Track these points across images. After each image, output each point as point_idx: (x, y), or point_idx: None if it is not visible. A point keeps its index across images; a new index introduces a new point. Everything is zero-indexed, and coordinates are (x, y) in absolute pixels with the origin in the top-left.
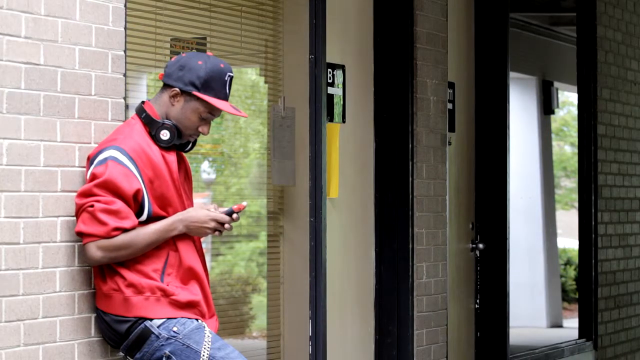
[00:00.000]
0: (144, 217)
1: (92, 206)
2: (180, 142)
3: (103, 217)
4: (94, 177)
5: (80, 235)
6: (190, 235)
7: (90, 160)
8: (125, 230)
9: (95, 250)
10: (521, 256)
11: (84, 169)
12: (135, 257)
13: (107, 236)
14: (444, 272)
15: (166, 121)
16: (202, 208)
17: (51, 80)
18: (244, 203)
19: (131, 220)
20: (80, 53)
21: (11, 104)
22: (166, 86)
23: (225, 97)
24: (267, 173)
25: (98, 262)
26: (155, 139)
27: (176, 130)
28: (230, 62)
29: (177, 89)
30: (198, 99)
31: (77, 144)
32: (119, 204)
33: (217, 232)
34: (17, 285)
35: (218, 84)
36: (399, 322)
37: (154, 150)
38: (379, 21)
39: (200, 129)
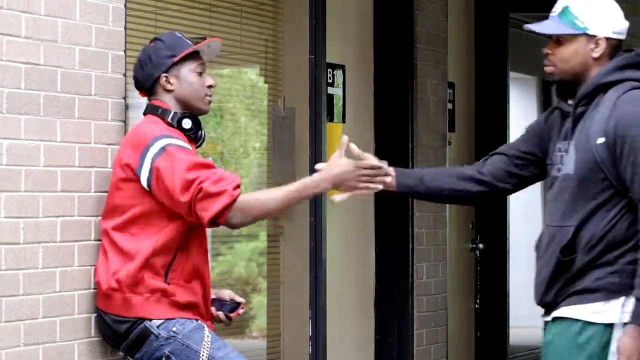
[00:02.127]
0: None
1: (200, 190)
2: (200, 127)
3: (216, 188)
4: (158, 171)
5: (217, 218)
6: (337, 189)
7: (138, 164)
8: (239, 185)
9: (238, 217)
10: (521, 256)
11: (84, 169)
12: (143, 252)
13: (234, 199)
14: (444, 272)
15: (183, 111)
16: (349, 164)
17: (51, 80)
18: (242, 310)
19: (234, 175)
20: (80, 53)
21: (11, 104)
22: (152, 88)
23: (193, 44)
24: (267, 173)
25: (251, 222)
26: (181, 128)
27: (196, 119)
28: (230, 62)
29: (162, 75)
30: (183, 60)
31: (77, 144)
32: (217, 170)
33: (370, 186)
34: (17, 285)
35: (180, 40)
36: (399, 322)
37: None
38: (379, 21)
39: (207, 84)
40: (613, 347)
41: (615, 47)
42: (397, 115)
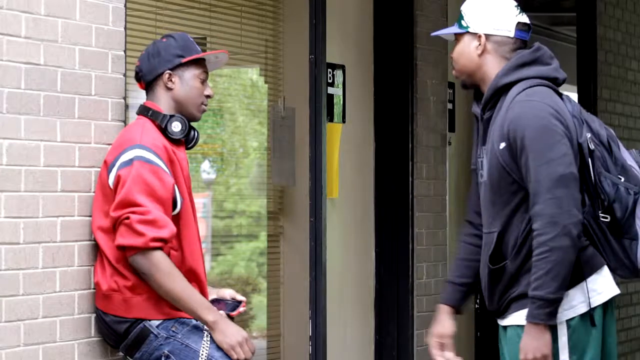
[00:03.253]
0: (177, 209)
1: (127, 218)
2: (187, 134)
3: (140, 228)
4: (118, 179)
5: (122, 249)
6: (213, 335)
7: (111, 163)
8: (163, 240)
9: (145, 265)
10: None
11: (84, 169)
12: None
13: (146, 246)
14: (444, 272)
15: (173, 113)
16: (243, 332)
17: (51, 80)
18: (243, 309)
19: (169, 229)
20: (80, 53)
21: (11, 104)
22: (153, 82)
23: (202, 51)
24: (267, 173)
25: (147, 278)
26: (167, 132)
27: (186, 121)
28: (230, 62)
29: (167, 71)
30: (190, 63)
31: (77, 144)
32: (155, 214)
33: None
34: (17, 285)
35: (192, 44)
36: (399, 322)
37: (168, 146)
38: (379, 21)
39: (206, 93)
40: (560, 342)
41: (506, 44)
42: (397, 116)
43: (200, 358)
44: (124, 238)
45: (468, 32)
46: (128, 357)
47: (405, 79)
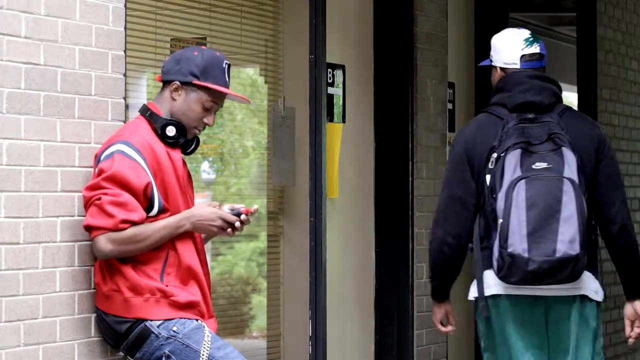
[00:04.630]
0: (155, 211)
1: (99, 199)
2: (186, 139)
3: (110, 209)
4: (101, 171)
5: (89, 229)
6: (197, 232)
7: (98, 157)
8: (133, 223)
9: (104, 242)
10: None
11: (84, 169)
12: (137, 256)
13: (115, 228)
14: None
15: (171, 118)
16: (208, 205)
17: (51, 80)
18: (255, 207)
19: (139, 212)
20: (80, 53)
21: (11, 104)
22: (166, 84)
23: (225, 84)
24: (267, 173)
25: (107, 256)
26: (162, 135)
27: (181, 127)
28: (230, 62)
29: (177, 82)
30: (199, 88)
31: (77, 144)
32: (126, 196)
33: (226, 232)
34: (17, 285)
35: (217, 72)
36: (399, 322)
37: (160, 147)
38: (379, 21)
39: (205, 120)
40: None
41: (516, 73)
42: (397, 115)
43: (201, 358)
44: (94, 218)
45: (491, 65)
46: (128, 357)
47: (405, 78)
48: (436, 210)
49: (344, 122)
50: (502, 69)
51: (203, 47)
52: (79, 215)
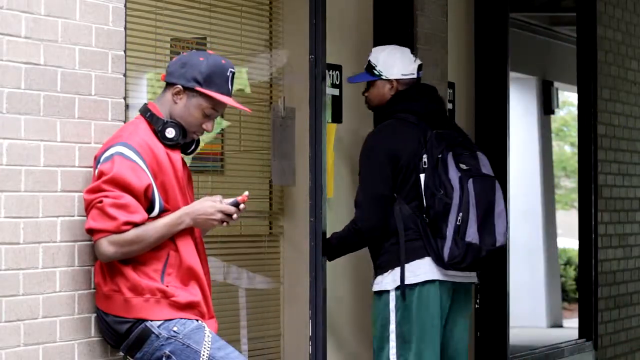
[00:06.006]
0: (155, 212)
1: (100, 202)
2: (185, 141)
3: (112, 211)
4: (101, 174)
5: (91, 232)
6: (198, 228)
7: (97, 159)
8: (135, 224)
9: (107, 245)
10: (521, 256)
11: (84, 169)
12: (137, 257)
13: (118, 231)
14: None
15: (170, 119)
16: (207, 200)
17: (51, 80)
18: (246, 193)
19: (140, 214)
20: (80, 53)
21: (11, 104)
22: (169, 85)
23: (228, 93)
24: (267, 173)
25: (110, 258)
26: (161, 137)
27: (181, 128)
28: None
29: (179, 86)
30: (201, 94)
31: (77, 144)
32: (127, 198)
33: (224, 223)
34: (17, 285)
35: (220, 79)
36: None
37: (159, 148)
38: (379, 21)
39: (204, 126)
40: (390, 305)
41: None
42: None
43: (201, 358)
44: (96, 221)
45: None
46: (129, 357)
47: None
48: (361, 201)
49: (340, 122)
50: (397, 80)
51: (210, 52)
52: (79, 215)
